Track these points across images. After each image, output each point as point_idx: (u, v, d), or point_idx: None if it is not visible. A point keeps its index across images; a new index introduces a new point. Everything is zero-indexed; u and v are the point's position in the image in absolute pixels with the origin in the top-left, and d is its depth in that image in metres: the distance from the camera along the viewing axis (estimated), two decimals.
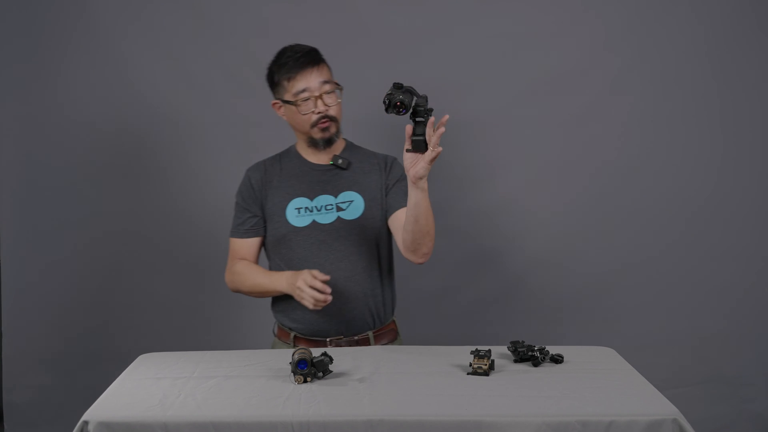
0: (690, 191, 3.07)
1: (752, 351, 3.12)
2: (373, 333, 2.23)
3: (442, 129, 1.87)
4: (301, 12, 3.01)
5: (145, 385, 1.78)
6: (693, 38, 3.00)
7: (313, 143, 2.22)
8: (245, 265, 2.27)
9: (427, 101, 1.92)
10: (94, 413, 1.61)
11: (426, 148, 1.89)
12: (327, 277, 2.06)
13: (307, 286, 2.04)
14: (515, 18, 3.02)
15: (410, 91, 1.91)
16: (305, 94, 2.16)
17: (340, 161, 2.23)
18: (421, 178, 1.94)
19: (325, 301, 2.04)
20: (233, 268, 2.28)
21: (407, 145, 1.92)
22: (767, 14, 2.99)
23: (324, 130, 2.19)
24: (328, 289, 2.04)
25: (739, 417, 3.11)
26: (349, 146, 2.31)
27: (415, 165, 1.94)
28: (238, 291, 2.30)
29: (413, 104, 1.90)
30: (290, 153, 2.30)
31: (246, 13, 3.02)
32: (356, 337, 2.21)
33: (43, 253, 3.09)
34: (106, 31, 3.01)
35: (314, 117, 2.17)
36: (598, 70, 3.03)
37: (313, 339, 2.20)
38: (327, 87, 2.17)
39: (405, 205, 2.20)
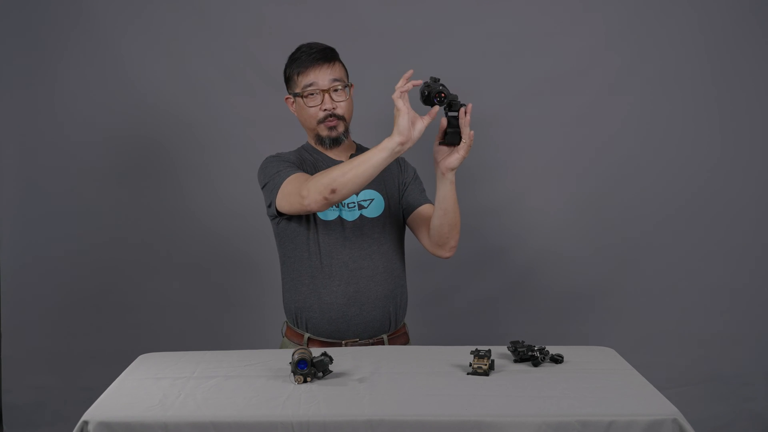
0: (691, 191, 3.08)
1: (751, 351, 3.12)
2: (388, 336, 2.22)
3: (468, 117, 1.98)
4: (301, 12, 3.02)
5: (145, 385, 1.78)
6: (693, 38, 3.01)
7: (320, 141, 2.21)
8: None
9: (457, 97, 2.00)
10: (94, 413, 1.60)
11: (460, 141, 2.00)
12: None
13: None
14: (516, 18, 3.03)
15: (444, 85, 1.98)
16: (312, 89, 2.15)
17: None
18: (452, 170, 2.02)
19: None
20: (310, 179, 2.01)
21: (440, 138, 2.02)
22: (767, 14, 3.00)
23: (331, 128, 2.18)
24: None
25: (738, 416, 3.12)
26: (360, 148, 2.31)
27: (447, 157, 2.02)
28: (326, 188, 1.95)
29: (450, 97, 1.98)
30: (308, 149, 2.27)
31: (246, 12, 3.03)
32: (372, 340, 2.19)
33: (42, 253, 3.09)
34: (105, 30, 3.01)
35: (321, 114, 2.17)
36: (598, 69, 3.03)
37: (327, 341, 2.18)
38: (335, 84, 2.17)
39: (425, 202, 2.25)
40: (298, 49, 2.21)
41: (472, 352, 1.84)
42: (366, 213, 2.20)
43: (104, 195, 3.08)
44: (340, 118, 2.19)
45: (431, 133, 2.04)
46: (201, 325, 3.11)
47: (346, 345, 2.17)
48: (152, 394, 1.70)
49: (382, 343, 2.20)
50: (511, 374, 1.81)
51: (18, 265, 3.10)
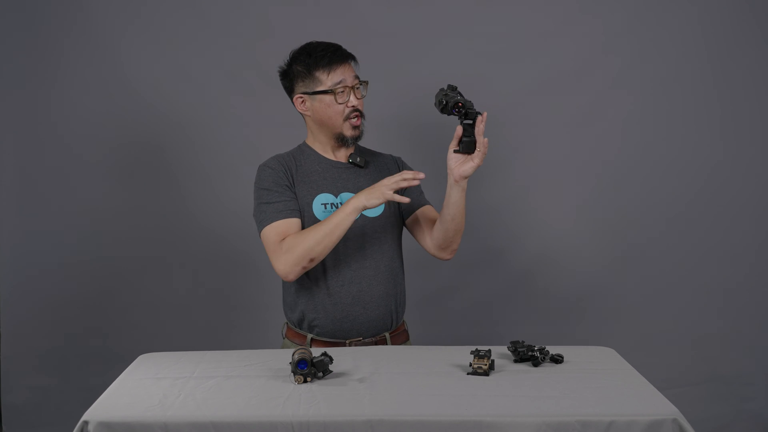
0: (691, 191, 3.08)
1: (751, 351, 3.12)
2: (390, 334, 2.23)
3: (483, 125, 1.99)
4: (301, 12, 3.02)
5: (145, 385, 1.78)
6: (693, 38, 3.01)
7: (341, 139, 2.20)
8: (298, 232, 2.11)
9: (473, 105, 2.01)
10: (94, 413, 1.61)
11: (475, 149, 2.01)
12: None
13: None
14: (516, 18, 3.03)
15: (462, 94, 2.00)
16: (341, 86, 2.15)
17: (358, 159, 2.23)
18: (466, 178, 2.05)
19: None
20: (284, 245, 2.08)
21: (454, 146, 2.03)
22: (767, 14, 3.00)
23: (355, 127, 2.18)
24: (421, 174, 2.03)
25: (738, 417, 3.12)
26: (358, 148, 2.31)
27: (461, 165, 2.04)
28: (303, 259, 2.07)
29: (467, 106, 2.00)
30: (304, 150, 2.26)
31: (246, 13, 3.03)
32: (374, 338, 2.20)
33: (42, 253, 3.09)
34: (104, 30, 3.01)
35: (347, 110, 2.16)
36: (599, 70, 3.03)
37: (332, 341, 2.18)
38: (358, 81, 2.19)
39: (425, 204, 2.27)
40: (313, 48, 2.17)
41: (472, 352, 1.84)
42: (367, 212, 2.20)
43: (104, 195, 3.08)
44: (362, 114, 2.21)
45: (445, 140, 2.05)
46: (201, 325, 3.11)
47: (349, 344, 2.17)
48: (152, 394, 1.71)
49: (384, 340, 2.21)
50: (511, 374, 1.82)
51: (18, 265, 3.09)
